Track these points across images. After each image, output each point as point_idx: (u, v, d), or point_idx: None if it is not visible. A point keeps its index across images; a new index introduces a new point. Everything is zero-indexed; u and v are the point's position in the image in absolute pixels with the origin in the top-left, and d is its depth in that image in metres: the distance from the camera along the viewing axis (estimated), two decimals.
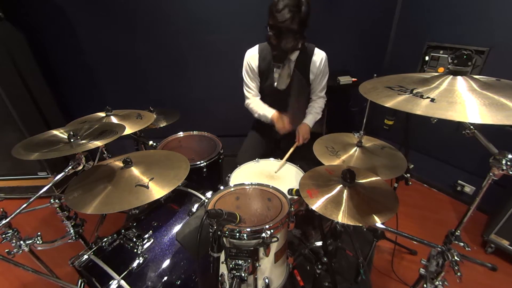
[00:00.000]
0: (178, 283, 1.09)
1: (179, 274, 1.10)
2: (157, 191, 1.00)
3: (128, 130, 1.25)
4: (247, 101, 1.70)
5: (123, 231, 1.15)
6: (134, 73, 2.46)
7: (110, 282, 0.97)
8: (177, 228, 1.20)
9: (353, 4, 2.25)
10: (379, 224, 0.85)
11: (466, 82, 0.75)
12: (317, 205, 0.89)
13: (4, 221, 0.91)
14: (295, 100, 1.66)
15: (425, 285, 0.91)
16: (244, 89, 1.68)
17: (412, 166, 1.26)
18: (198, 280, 1.10)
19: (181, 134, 1.84)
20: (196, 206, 1.27)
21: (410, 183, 1.31)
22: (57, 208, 1.07)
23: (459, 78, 0.77)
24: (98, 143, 1.01)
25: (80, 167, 1.05)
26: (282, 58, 1.45)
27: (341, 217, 0.85)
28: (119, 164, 1.13)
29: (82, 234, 1.19)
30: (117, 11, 2.18)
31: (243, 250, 0.94)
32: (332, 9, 2.23)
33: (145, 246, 1.10)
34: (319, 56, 1.56)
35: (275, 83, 1.57)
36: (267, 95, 1.67)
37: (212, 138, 1.82)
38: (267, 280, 1.02)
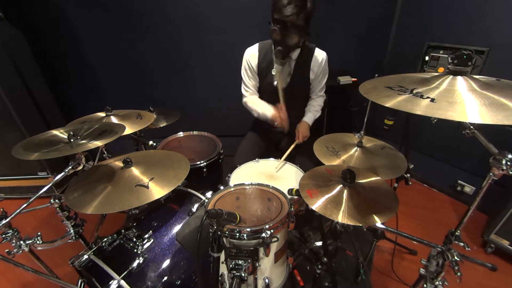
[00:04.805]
0: (178, 283, 1.09)
1: (179, 274, 1.10)
2: (157, 191, 1.00)
3: (128, 130, 1.25)
4: (244, 100, 1.69)
5: (123, 231, 1.15)
6: (134, 73, 2.46)
7: (110, 282, 0.97)
8: (177, 228, 1.20)
9: (353, 4, 2.25)
10: (379, 224, 0.85)
11: (466, 82, 0.75)
12: (317, 205, 0.89)
13: (4, 221, 0.91)
14: (294, 99, 1.66)
15: (425, 285, 0.91)
16: (242, 87, 1.68)
17: (412, 166, 1.26)
18: (198, 280, 1.10)
19: (181, 134, 1.84)
20: (196, 206, 1.26)
21: (410, 183, 1.31)
22: (57, 208, 1.07)
23: (459, 78, 0.77)
24: (98, 143, 1.01)
25: (80, 167, 1.05)
26: (284, 54, 1.45)
27: (341, 217, 0.85)
28: (119, 164, 1.13)
29: (82, 234, 1.19)
30: (117, 11, 2.18)
31: (243, 250, 0.94)
32: (332, 9, 2.23)
33: (145, 246, 1.10)
34: (320, 56, 1.56)
35: (275, 82, 1.57)
36: (266, 94, 1.66)
37: (212, 138, 1.82)
38: (267, 280, 1.03)
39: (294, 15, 1.26)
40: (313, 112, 1.68)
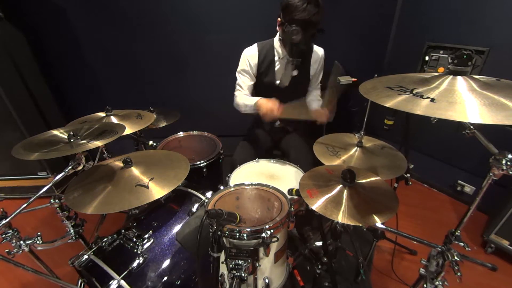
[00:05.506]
0: (178, 283, 1.09)
1: (179, 274, 1.10)
2: (157, 191, 1.00)
3: (128, 130, 1.25)
4: (235, 99, 1.66)
5: (123, 231, 1.15)
6: (134, 73, 2.46)
7: (110, 282, 0.97)
8: (177, 228, 1.20)
9: (353, 4, 2.25)
10: (379, 224, 0.85)
11: (466, 82, 0.75)
12: (317, 205, 0.89)
13: (4, 221, 0.91)
14: (295, 96, 1.66)
15: (425, 285, 0.91)
16: (236, 88, 1.66)
17: (412, 166, 1.26)
18: (198, 280, 1.10)
19: (181, 134, 1.84)
20: (196, 206, 1.27)
21: (410, 183, 1.31)
22: (57, 208, 1.07)
23: (459, 78, 0.77)
24: (98, 143, 1.01)
25: (80, 167, 1.05)
26: (302, 52, 1.43)
27: (341, 217, 0.85)
28: (119, 164, 1.13)
29: (82, 234, 1.19)
30: (117, 11, 2.18)
31: (243, 250, 0.94)
32: (332, 9, 2.22)
33: (145, 246, 1.10)
34: (319, 52, 1.62)
35: (277, 81, 1.57)
36: (267, 93, 1.66)
37: (212, 138, 1.82)
38: (267, 280, 1.03)
39: (317, 14, 1.29)
40: (317, 102, 1.69)
